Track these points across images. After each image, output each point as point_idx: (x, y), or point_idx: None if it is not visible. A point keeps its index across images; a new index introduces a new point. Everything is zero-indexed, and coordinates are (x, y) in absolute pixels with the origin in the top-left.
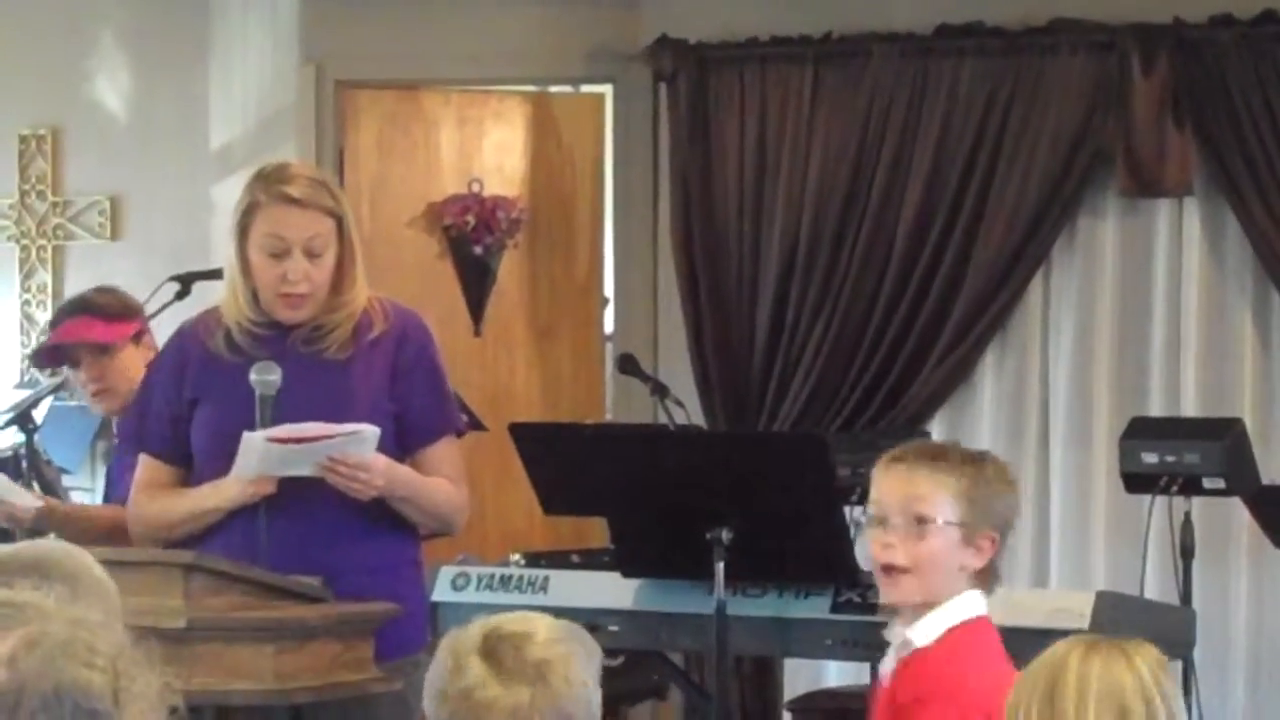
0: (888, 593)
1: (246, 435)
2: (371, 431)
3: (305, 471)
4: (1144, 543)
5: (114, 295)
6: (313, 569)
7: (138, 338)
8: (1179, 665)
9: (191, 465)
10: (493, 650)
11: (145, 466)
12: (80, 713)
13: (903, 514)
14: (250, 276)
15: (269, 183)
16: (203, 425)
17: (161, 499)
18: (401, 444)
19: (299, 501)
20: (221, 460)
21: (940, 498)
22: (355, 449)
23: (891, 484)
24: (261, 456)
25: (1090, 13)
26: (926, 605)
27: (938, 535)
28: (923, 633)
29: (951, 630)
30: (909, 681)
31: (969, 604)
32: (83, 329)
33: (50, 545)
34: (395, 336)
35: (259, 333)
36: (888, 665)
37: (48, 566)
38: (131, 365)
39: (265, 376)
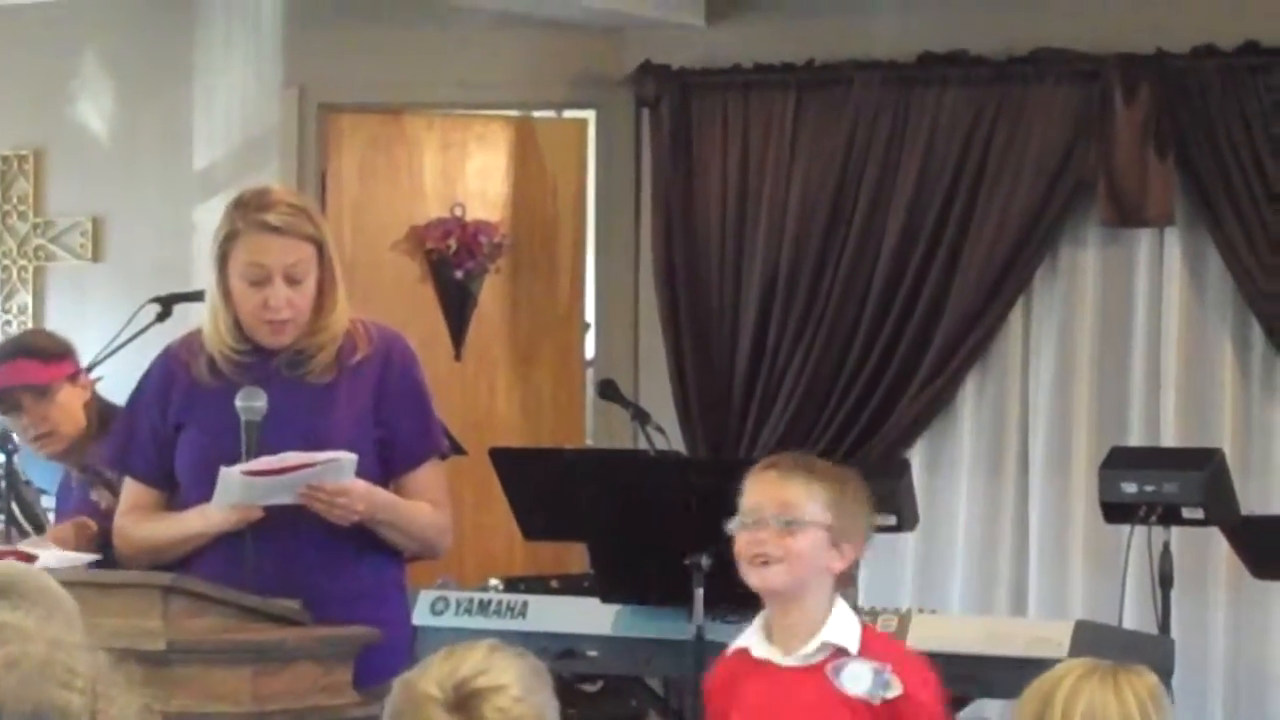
0: (759, 578)
1: (223, 470)
2: (349, 459)
3: (285, 500)
4: (1123, 572)
5: (48, 337)
6: (296, 593)
7: (74, 378)
8: None
9: (176, 488)
10: (464, 706)
11: (130, 490)
12: None
13: (775, 517)
14: (231, 303)
15: (248, 210)
16: (187, 451)
17: (147, 523)
18: (386, 468)
19: (283, 526)
20: (206, 486)
21: (811, 505)
22: (333, 476)
23: (766, 489)
24: (241, 489)
25: (1073, 43)
26: (784, 606)
27: (808, 533)
28: (845, 637)
29: (866, 629)
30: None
31: (849, 611)
32: (21, 372)
33: (11, 565)
34: (380, 359)
35: (241, 360)
36: (848, 681)
37: (22, 588)
38: (70, 405)
39: (251, 403)
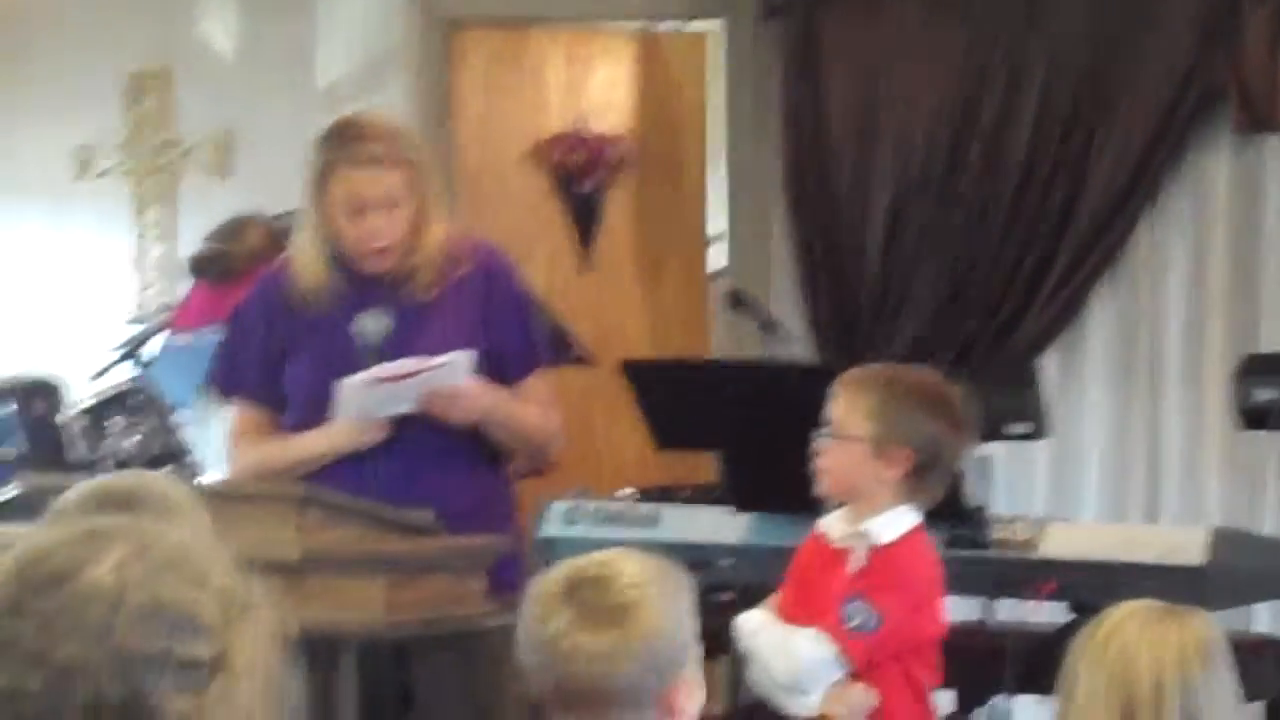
0: (818, 487)
1: (344, 382)
2: (464, 357)
3: (405, 408)
4: (1260, 479)
5: (212, 259)
6: (419, 507)
7: (268, 259)
8: None
9: (284, 408)
10: (575, 593)
11: (241, 413)
12: (181, 629)
13: (825, 431)
14: (329, 232)
15: (340, 143)
16: (296, 379)
17: (265, 446)
18: (496, 379)
19: (401, 443)
20: (321, 414)
21: (852, 417)
22: (450, 378)
23: (831, 404)
24: (361, 400)
25: None
26: (856, 505)
27: (845, 447)
28: (886, 532)
29: (909, 533)
30: (881, 569)
31: (910, 515)
32: (195, 310)
33: (137, 475)
34: (482, 273)
35: (342, 284)
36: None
37: (148, 497)
38: None
39: (373, 326)
